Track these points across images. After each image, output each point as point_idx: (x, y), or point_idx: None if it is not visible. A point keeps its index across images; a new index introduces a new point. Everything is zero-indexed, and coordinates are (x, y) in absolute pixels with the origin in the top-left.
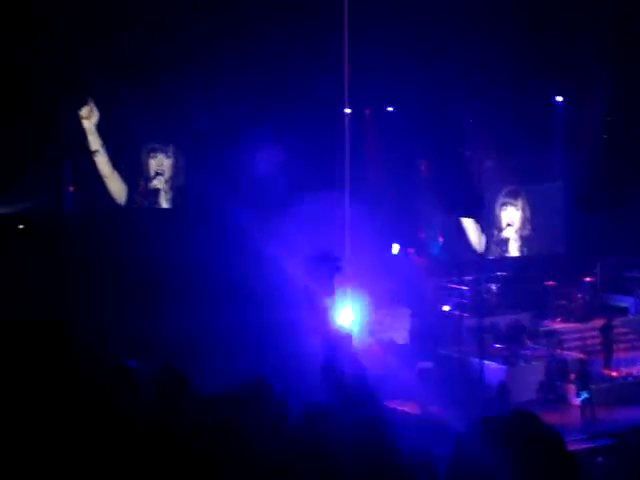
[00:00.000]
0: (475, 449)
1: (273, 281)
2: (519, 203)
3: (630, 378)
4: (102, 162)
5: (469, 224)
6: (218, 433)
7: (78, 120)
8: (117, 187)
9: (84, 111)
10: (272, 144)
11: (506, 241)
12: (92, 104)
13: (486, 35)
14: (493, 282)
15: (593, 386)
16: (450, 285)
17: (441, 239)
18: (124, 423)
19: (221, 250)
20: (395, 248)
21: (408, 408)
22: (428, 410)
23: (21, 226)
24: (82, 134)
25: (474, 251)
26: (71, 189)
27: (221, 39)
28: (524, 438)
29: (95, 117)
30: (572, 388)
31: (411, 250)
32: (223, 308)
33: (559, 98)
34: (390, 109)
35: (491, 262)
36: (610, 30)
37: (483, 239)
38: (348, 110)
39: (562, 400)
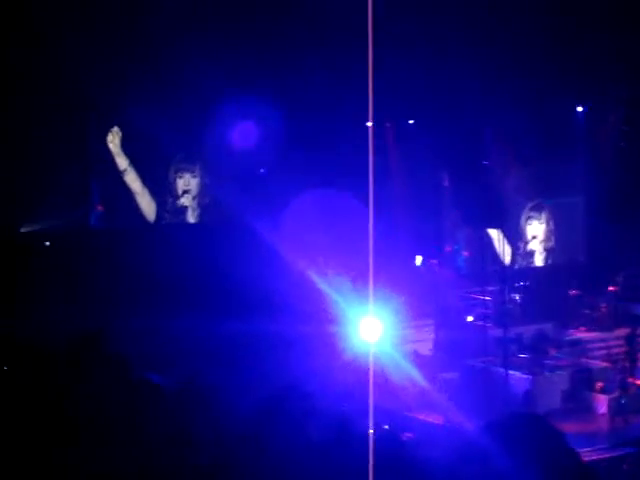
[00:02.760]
0: (483, 451)
1: (299, 294)
2: (543, 217)
3: None
4: (132, 180)
5: (495, 235)
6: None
7: (104, 142)
8: (147, 204)
9: (109, 136)
10: (298, 160)
11: (532, 253)
12: (116, 128)
13: (505, 47)
14: (516, 292)
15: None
16: (473, 296)
17: (466, 254)
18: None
19: (248, 264)
20: (418, 260)
21: (432, 419)
22: (452, 421)
23: (47, 243)
24: (109, 154)
25: (501, 263)
26: (99, 208)
27: (245, 57)
28: (530, 440)
29: (118, 139)
30: (597, 397)
31: (434, 261)
32: (248, 320)
33: (579, 108)
34: (411, 122)
35: (514, 272)
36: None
37: (509, 251)
38: (370, 123)
39: (587, 409)
